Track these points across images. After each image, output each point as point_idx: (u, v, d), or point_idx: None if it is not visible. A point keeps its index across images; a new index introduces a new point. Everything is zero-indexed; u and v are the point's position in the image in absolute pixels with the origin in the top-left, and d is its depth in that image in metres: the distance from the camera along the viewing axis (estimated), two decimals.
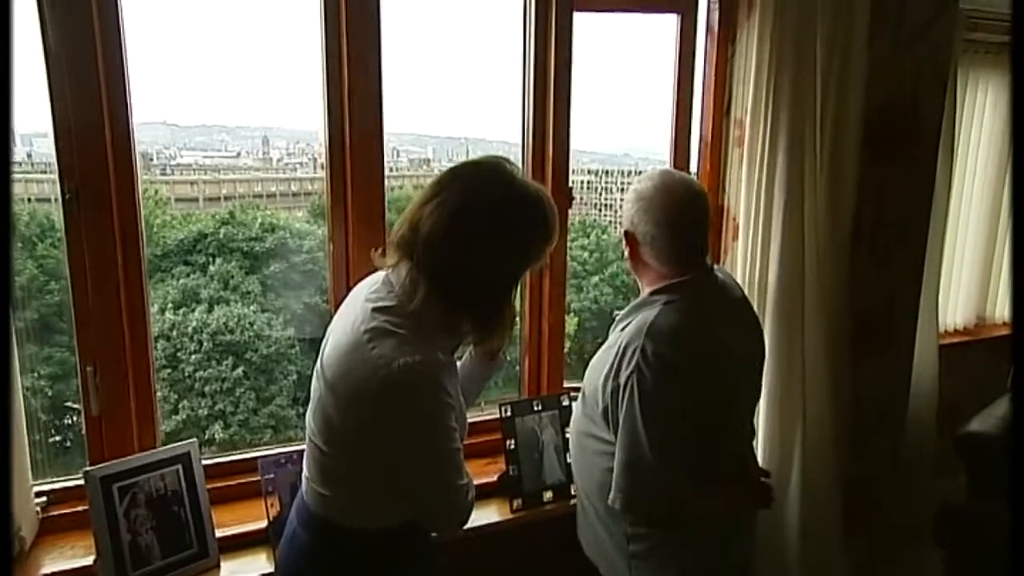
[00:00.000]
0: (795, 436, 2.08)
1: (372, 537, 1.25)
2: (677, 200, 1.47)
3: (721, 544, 1.57)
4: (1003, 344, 3.10)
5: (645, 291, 1.57)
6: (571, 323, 7.06)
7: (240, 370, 6.67)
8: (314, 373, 1.28)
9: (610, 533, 1.56)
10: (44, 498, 1.61)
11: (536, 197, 1.22)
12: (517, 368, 2.19)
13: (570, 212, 2.04)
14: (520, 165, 1.96)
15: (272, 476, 1.65)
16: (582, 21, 1.92)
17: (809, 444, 2.09)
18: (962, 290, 3.28)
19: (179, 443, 1.60)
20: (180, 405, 6.51)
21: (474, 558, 1.71)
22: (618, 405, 1.43)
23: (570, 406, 1.91)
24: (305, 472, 1.31)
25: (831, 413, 2.12)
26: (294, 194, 8.00)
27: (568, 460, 1.88)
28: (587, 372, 1.59)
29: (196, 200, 7.64)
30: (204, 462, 1.65)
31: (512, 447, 1.88)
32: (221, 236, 7.22)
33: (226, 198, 7.67)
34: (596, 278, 7.91)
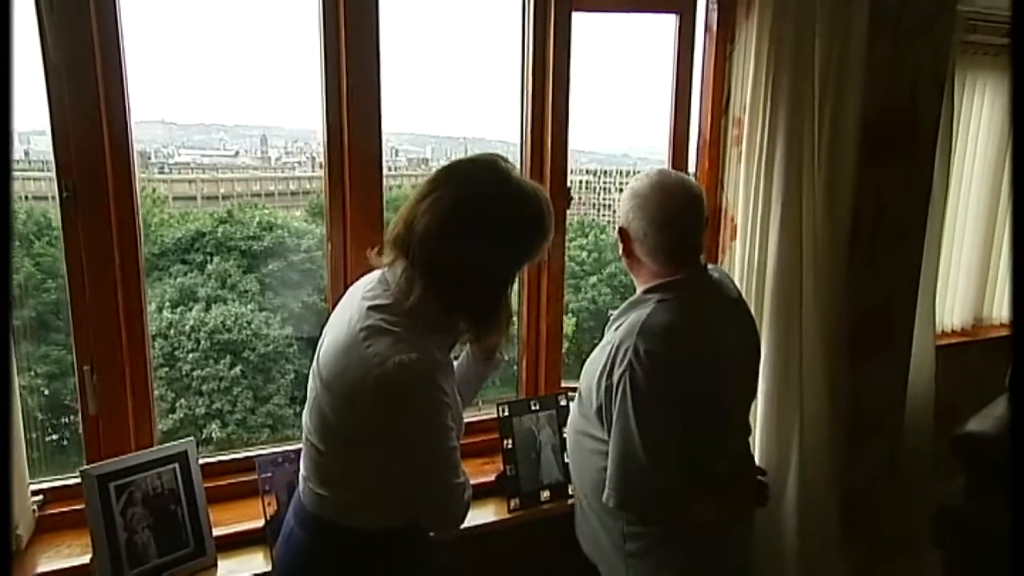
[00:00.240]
0: (792, 436, 2.09)
1: (369, 536, 1.25)
2: (672, 199, 1.48)
3: (719, 543, 1.57)
4: (1000, 344, 3.11)
5: (639, 289, 1.57)
6: (569, 323, 7.07)
7: (238, 369, 6.66)
8: (310, 372, 1.28)
9: (607, 531, 1.57)
10: (41, 496, 1.61)
11: (532, 194, 1.22)
12: (515, 368, 2.19)
13: (568, 212, 2.04)
14: (519, 165, 1.96)
15: (269, 475, 1.64)
16: (581, 21, 1.92)
17: (806, 444, 2.09)
18: (959, 291, 3.28)
19: (176, 442, 1.60)
20: (177, 404, 6.50)
21: (472, 558, 1.71)
22: (611, 404, 1.44)
23: (567, 406, 1.91)
24: (302, 471, 1.31)
25: (828, 413, 2.13)
26: (292, 193, 7.99)
27: (566, 460, 1.88)
28: (583, 371, 1.60)
29: (194, 199, 7.63)
30: (201, 461, 1.65)
31: (509, 447, 1.88)
32: (219, 235, 7.21)
33: (224, 197, 7.66)
34: (594, 278, 7.92)
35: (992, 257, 3.30)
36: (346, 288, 1.35)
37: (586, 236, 8.04)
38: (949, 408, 2.66)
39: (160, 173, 7.51)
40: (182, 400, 6.53)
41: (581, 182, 7.61)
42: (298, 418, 1.33)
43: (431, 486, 1.22)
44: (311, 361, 1.29)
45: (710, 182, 2.16)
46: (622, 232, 1.54)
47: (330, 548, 1.26)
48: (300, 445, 1.32)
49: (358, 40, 1.69)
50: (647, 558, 1.52)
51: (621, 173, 7.58)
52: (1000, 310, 3.39)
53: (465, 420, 1.34)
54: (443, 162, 1.30)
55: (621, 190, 1.59)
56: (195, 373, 6.58)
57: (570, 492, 1.85)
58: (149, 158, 7.25)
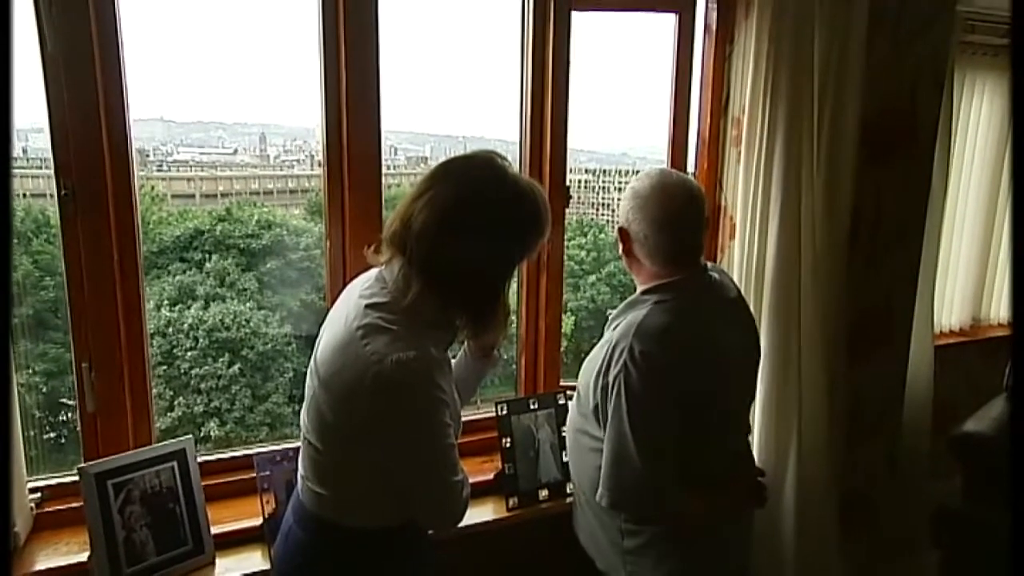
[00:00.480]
0: (791, 436, 2.09)
1: (368, 535, 1.25)
2: (673, 201, 1.48)
3: (718, 542, 1.58)
4: (998, 344, 3.12)
5: (638, 290, 1.57)
6: (568, 322, 7.07)
7: (236, 367, 6.66)
8: (308, 371, 1.28)
9: (605, 529, 1.57)
10: (39, 494, 1.61)
11: (529, 190, 1.22)
12: (513, 366, 2.19)
13: (567, 211, 2.04)
14: (518, 164, 1.96)
15: (268, 473, 1.64)
16: (580, 20, 1.92)
17: (805, 444, 2.09)
18: (958, 291, 3.28)
19: (175, 440, 1.60)
20: (176, 402, 6.49)
21: (470, 556, 1.71)
22: (607, 403, 1.44)
23: (566, 405, 1.91)
24: (300, 470, 1.31)
25: (827, 413, 2.13)
26: (291, 191, 7.98)
27: (564, 458, 1.89)
28: (581, 370, 1.60)
29: (193, 197, 7.62)
30: (199, 459, 1.65)
31: (508, 445, 1.88)
32: (217, 233, 7.21)
33: (223, 195, 7.65)
34: (593, 277, 7.92)
35: (991, 257, 3.31)
36: (345, 286, 1.35)
37: (585, 235, 8.05)
38: (947, 408, 2.67)
39: (159, 171, 7.50)
40: (180, 398, 6.52)
41: (580, 181, 7.61)
42: (296, 416, 1.33)
43: (429, 484, 1.22)
44: (309, 359, 1.29)
45: (709, 182, 2.16)
46: (622, 232, 1.54)
47: (329, 547, 1.26)
48: (299, 443, 1.32)
49: (357, 38, 1.68)
50: (645, 555, 1.53)
51: (620, 173, 7.58)
52: (998, 310, 3.40)
53: (464, 419, 1.34)
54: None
55: (620, 189, 1.59)
56: (193, 371, 6.58)
57: (569, 489, 1.86)
58: (148, 156, 7.24)
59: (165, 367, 6.53)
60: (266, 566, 1.56)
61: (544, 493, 1.90)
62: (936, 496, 2.52)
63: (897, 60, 2.26)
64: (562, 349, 2.14)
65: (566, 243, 2.08)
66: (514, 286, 2.07)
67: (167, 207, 7.47)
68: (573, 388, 1.69)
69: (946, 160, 2.54)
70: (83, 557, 1.48)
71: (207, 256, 7.13)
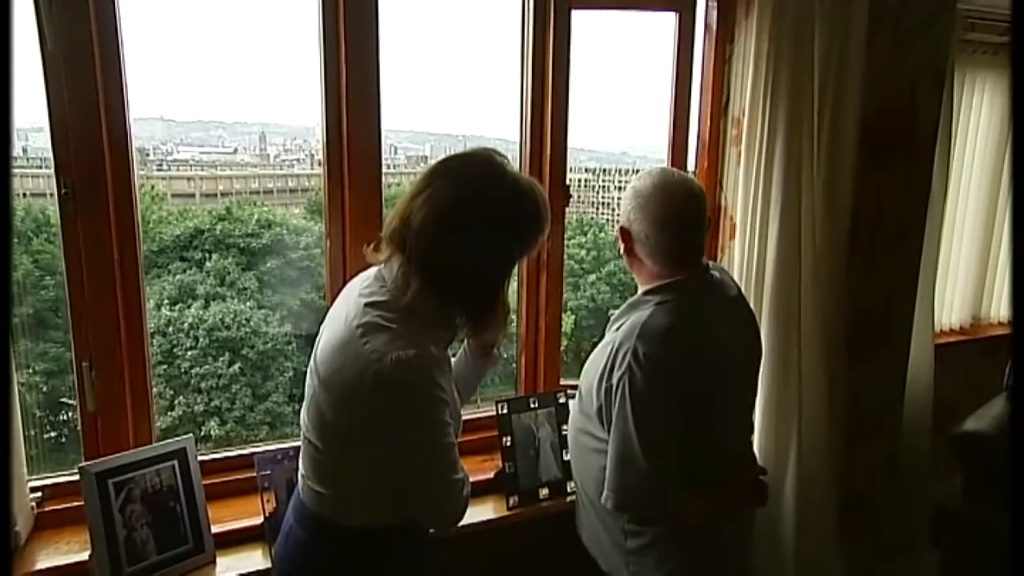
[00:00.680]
0: (791, 435, 2.09)
1: (369, 534, 1.25)
2: (674, 200, 1.47)
3: (719, 542, 1.58)
4: (999, 343, 3.12)
5: (640, 290, 1.57)
6: (568, 321, 7.07)
7: (236, 366, 6.66)
8: (308, 369, 1.28)
9: (608, 529, 1.57)
10: (39, 493, 1.61)
11: (528, 188, 1.22)
12: (514, 365, 2.19)
13: (567, 210, 2.04)
14: (518, 163, 1.96)
15: (268, 472, 1.65)
16: (580, 19, 1.92)
17: (805, 443, 2.10)
18: (958, 289, 3.29)
19: (175, 439, 1.60)
20: (176, 401, 6.50)
21: (470, 555, 1.71)
22: (611, 405, 1.44)
23: (566, 404, 1.91)
24: (301, 469, 1.31)
25: (827, 412, 2.13)
26: (291, 190, 7.99)
27: (565, 457, 1.89)
28: (583, 370, 1.60)
29: (193, 196, 7.62)
30: (200, 458, 1.65)
31: (508, 444, 1.88)
32: (218, 232, 7.21)
33: (223, 194, 7.65)
34: (593, 276, 7.93)
35: (991, 255, 3.31)
36: (345, 285, 1.35)
37: (585, 234, 8.05)
38: (947, 407, 2.67)
39: (159, 170, 7.50)
40: (181, 397, 6.52)
41: (580, 180, 7.61)
42: (297, 416, 1.33)
43: (430, 483, 1.22)
44: (309, 359, 1.29)
45: (709, 181, 2.16)
46: (623, 232, 1.54)
47: (329, 546, 1.26)
48: (299, 442, 1.32)
49: (358, 37, 1.68)
50: (648, 555, 1.53)
51: (620, 172, 7.58)
52: (999, 309, 3.40)
53: (464, 417, 1.34)
54: None
55: (620, 189, 1.59)
56: (194, 370, 6.58)
57: (570, 488, 1.86)
58: (148, 155, 7.24)
59: (165, 366, 6.54)
60: (267, 565, 1.56)
61: (544, 492, 1.90)
62: (936, 496, 2.52)
63: (897, 60, 2.26)
64: (562, 348, 2.14)
65: (566, 242, 2.08)
66: (514, 285, 2.07)
67: (167, 206, 7.47)
68: (573, 387, 1.69)
69: (946, 159, 2.54)
70: (84, 556, 1.48)
71: (207, 255, 7.13)
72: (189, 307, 6.80)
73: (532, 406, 1.93)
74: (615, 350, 1.44)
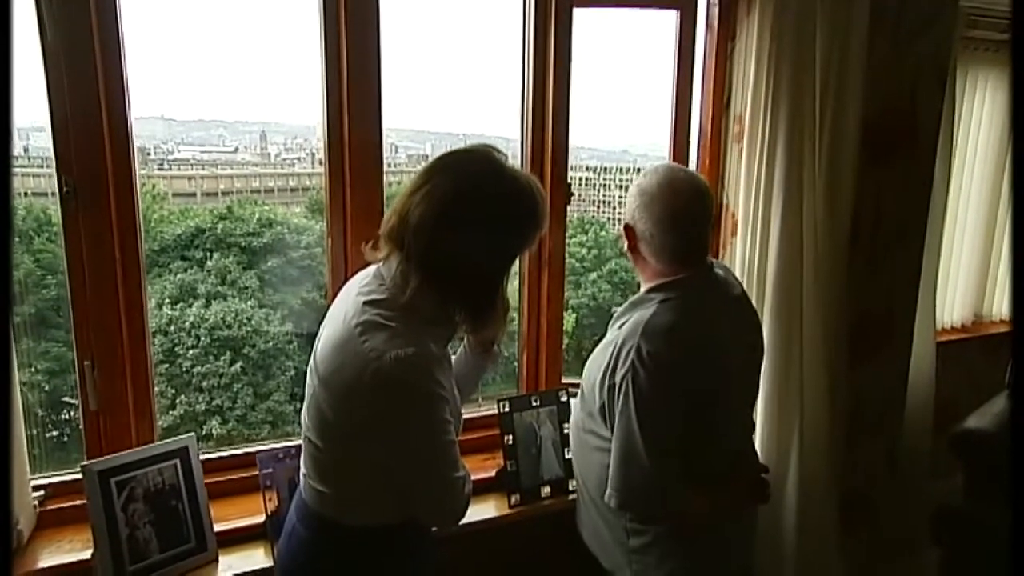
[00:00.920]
0: (792, 434, 2.09)
1: (370, 533, 1.25)
2: (679, 199, 1.46)
3: (722, 540, 1.58)
4: (1000, 341, 3.12)
5: (643, 288, 1.57)
6: (569, 320, 7.06)
7: (238, 365, 6.66)
8: (308, 369, 1.28)
9: (610, 527, 1.57)
10: (42, 492, 1.61)
11: (526, 183, 1.22)
12: (515, 364, 2.19)
13: (568, 209, 2.04)
14: (519, 161, 1.96)
15: (270, 471, 1.65)
16: (581, 16, 1.91)
17: (806, 442, 2.10)
18: (959, 287, 3.28)
19: (177, 438, 1.60)
20: (178, 400, 6.50)
21: (472, 553, 1.72)
22: (614, 403, 1.44)
23: (568, 402, 1.91)
24: (302, 468, 1.31)
25: (828, 411, 2.13)
26: (292, 189, 7.97)
27: (567, 455, 1.89)
28: (586, 368, 1.60)
29: (194, 195, 7.62)
30: (202, 457, 1.65)
31: (510, 443, 1.88)
32: (219, 231, 7.20)
33: (224, 193, 7.64)
34: (594, 274, 7.91)
35: (992, 253, 3.31)
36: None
37: (586, 233, 8.03)
38: (948, 405, 2.67)
39: (160, 169, 7.49)
40: (182, 396, 6.52)
41: (581, 179, 7.60)
42: (298, 414, 1.33)
43: (430, 481, 1.22)
44: (310, 358, 1.29)
45: (711, 179, 2.16)
46: (627, 229, 1.53)
47: (331, 544, 1.26)
48: (300, 441, 1.33)
49: (358, 35, 1.68)
50: (650, 554, 1.53)
51: (621, 170, 7.56)
52: (1000, 307, 3.40)
53: (466, 416, 1.34)
54: None
55: (621, 187, 1.58)
56: (195, 369, 6.58)
57: (571, 487, 1.86)
58: (149, 154, 7.23)
59: (167, 365, 6.53)
60: (269, 563, 1.56)
61: (546, 490, 1.90)
62: (937, 494, 2.52)
63: (898, 58, 2.26)
64: (563, 347, 2.14)
65: (567, 240, 2.07)
66: (515, 284, 2.07)
67: (168, 205, 7.46)
68: (575, 385, 1.68)
69: (948, 158, 2.53)
70: (86, 555, 1.49)
71: (208, 254, 7.12)
72: (190, 306, 6.80)
73: (534, 404, 1.93)
74: (618, 348, 1.44)
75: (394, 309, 1.17)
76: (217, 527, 1.61)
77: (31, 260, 5.16)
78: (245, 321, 6.80)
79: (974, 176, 3.17)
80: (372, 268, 1.27)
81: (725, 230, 2.16)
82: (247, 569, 1.57)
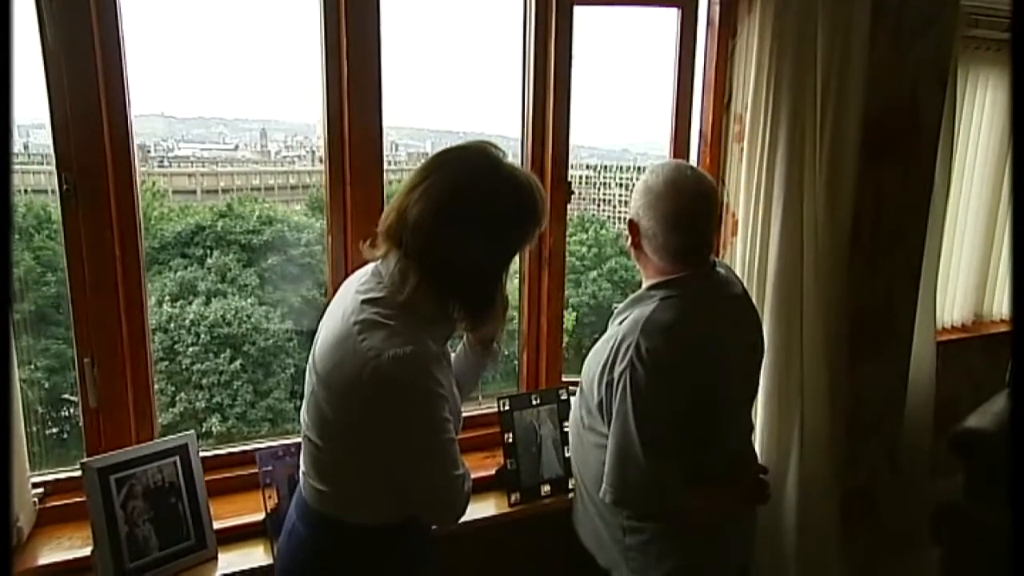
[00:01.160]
0: (793, 433, 2.09)
1: (370, 532, 1.25)
2: (683, 198, 1.46)
3: (720, 539, 1.58)
4: (1001, 340, 3.12)
5: (644, 284, 1.57)
6: (569, 318, 7.06)
7: (238, 363, 6.66)
8: (307, 367, 1.28)
9: (607, 524, 1.57)
10: (41, 489, 1.61)
11: (524, 180, 1.21)
12: (515, 362, 2.19)
13: (569, 207, 2.03)
14: (519, 159, 1.96)
15: (270, 468, 1.65)
16: (582, 14, 1.91)
17: (807, 441, 2.10)
18: (960, 287, 3.28)
19: (177, 435, 1.60)
20: (177, 398, 6.50)
21: (472, 552, 1.72)
22: (612, 399, 1.44)
23: (568, 400, 1.91)
24: (302, 467, 1.31)
25: (829, 410, 2.13)
26: (292, 187, 7.97)
27: (567, 454, 1.89)
28: (585, 364, 1.60)
29: (194, 192, 7.61)
30: (202, 454, 1.65)
31: (510, 441, 1.88)
32: (219, 229, 7.20)
33: (224, 191, 7.64)
34: (594, 273, 7.90)
35: (993, 252, 3.30)
36: None
37: (586, 231, 8.02)
38: (949, 404, 2.67)
39: (160, 167, 7.49)
40: (182, 394, 6.53)
41: (581, 177, 7.59)
42: (298, 412, 1.33)
43: (430, 479, 1.22)
44: (309, 356, 1.29)
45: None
46: (631, 225, 1.53)
47: (331, 543, 1.26)
48: (300, 439, 1.32)
49: (359, 33, 1.68)
50: (647, 552, 1.52)
51: (621, 168, 7.55)
52: (1001, 306, 3.40)
53: (465, 414, 1.34)
54: None
55: (621, 185, 1.58)
56: (195, 367, 6.58)
57: (571, 485, 1.86)
58: (149, 152, 7.22)
59: (167, 363, 6.53)
60: (268, 561, 1.56)
61: (546, 489, 1.90)
62: (937, 493, 2.52)
63: (899, 58, 2.25)
64: (563, 345, 2.14)
65: (567, 239, 2.07)
66: (516, 282, 2.07)
67: (168, 203, 7.46)
68: (575, 384, 1.68)
69: (949, 157, 2.53)
70: (86, 552, 1.49)
71: (208, 252, 7.12)
72: (190, 303, 6.80)
73: (534, 403, 1.93)
74: (617, 344, 1.44)
75: (393, 307, 1.17)
76: (217, 525, 1.61)
77: (31, 257, 5.16)
78: (245, 319, 6.80)
79: (975, 175, 3.16)
80: (370, 266, 1.26)
81: (725, 229, 2.15)
82: (246, 567, 1.57)
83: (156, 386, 1.74)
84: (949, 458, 2.44)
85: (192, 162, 7.72)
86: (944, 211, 2.61)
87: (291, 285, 7.17)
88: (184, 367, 6.60)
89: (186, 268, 7.05)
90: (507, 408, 1.89)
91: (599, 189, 7.99)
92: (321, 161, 1.83)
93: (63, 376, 5.03)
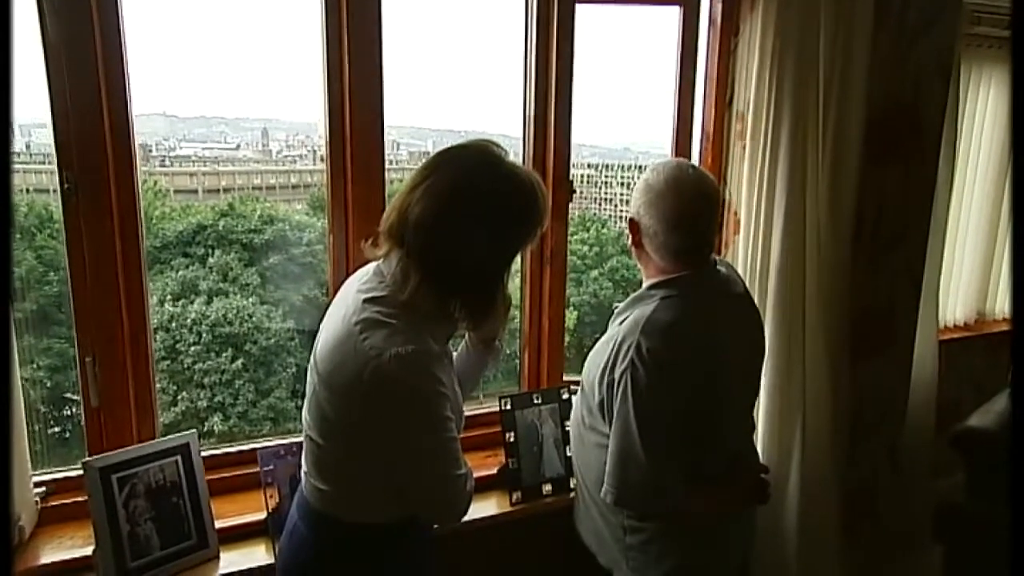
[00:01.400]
0: (794, 433, 2.09)
1: (371, 531, 1.25)
2: (684, 199, 1.45)
3: (720, 538, 1.58)
4: (1002, 340, 3.11)
5: (644, 284, 1.56)
6: (570, 317, 7.05)
7: (239, 362, 6.66)
8: (309, 367, 1.27)
9: (608, 524, 1.57)
10: (43, 488, 1.61)
11: (526, 178, 1.21)
12: (517, 361, 2.19)
13: (570, 206, 2.03)
14: (521, 158, 1.95)
15: (271, 467, 1.65)
16: (584, 13, 1.91)
17: (808, 441, 2.09)
18: (962, 285, 3.28)
19: (178, 434, 1.60)
20: (179, 397, 6.50)
21: (474, 551, 1.72)
22: (613, 399, 1.43)
23: (569, 399, 1.91)
24: (303, 466, 1.31)
25: (830, 410, 2.13)
26: (293, 186, 7.96)
27: (568, 453, 1.89)
28: (586, 364, 1.59)
29: (195, 192, 7.61)
30: (203, 453, 1.65)
31: (512, 440, 1.88)
32: (220, 228, 7.20)
33: (225, 190, 7.64)
34: (596, 272, 7.89)
35: (996, 250, 3.30)
36: None
37: (587, 230, 8.01)
38: (951, 403, 2.67)
39: (161, 166, 7.49)
40: (184, 393, 6.53)
41: (583, 176, 7.58)
42: (300, 411, 1.33)
43: (432, 478, 1.22)
44: (311, 355, 1.29)
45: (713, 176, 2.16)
46: (632, 224, 1.53)
47: (332, 542, 1.26)
48: (302, 438, 1.32)
49: (360, 32, 1.68)
50: (647, 551, 1.52)
51: (623, 167, 7.54)
52: (1003, 305, 3.39)
53: (467, 413, 1.33)
54: None
55: (623, 184, 1.57)
56: (197, 366, 6.58)
57: (571, 484, 1.86)
58: (150, 151, 7.22)
59: (168, 362, 6.54)
60: (270, 560, 1.56)
61: (548, 488, 1.90)
62: (939, 492, 2.51)
63: (902, 55, 2.25)
64: (565, 344, 2.14)
65: (568, 238, 2.07)
66: (517, 281, 2.06)
67: (170, 202, 7.46)
68: (576, 383, 1.68)
69: (951, 155, 2.52)
70: (88, 551, 1.49)
71: (210, 251, 7.13)
72: (192, 303, 6.80)
73: (535, 402, 1.93)
74: (618, 344, 1.44)
75: (394, 306, 1.17)
76: (218, 524, 1.61)
77: (33, 256, 5.16)
78: (247, 318, 6.80)
79: (977, 173, 3.16)
80: (372, 265, 1.26)
81: (728, 228, 2.15)
82: (248, 566, 1.57)
83: (157, 385, 1.74)
84: (950, 457, 2.44)
85: (194, 161, 7.72)
86: (947, 209, 2.60)
87: (292, 284, 7.17)
88: (186, 366, 6.60)
89: (187, 267, 7.06)
90: (509, 407, 1.89)
91: (601, 188, 7.98)
92: (322, 160, 1.83)
93: (65, 375, 5.03)
